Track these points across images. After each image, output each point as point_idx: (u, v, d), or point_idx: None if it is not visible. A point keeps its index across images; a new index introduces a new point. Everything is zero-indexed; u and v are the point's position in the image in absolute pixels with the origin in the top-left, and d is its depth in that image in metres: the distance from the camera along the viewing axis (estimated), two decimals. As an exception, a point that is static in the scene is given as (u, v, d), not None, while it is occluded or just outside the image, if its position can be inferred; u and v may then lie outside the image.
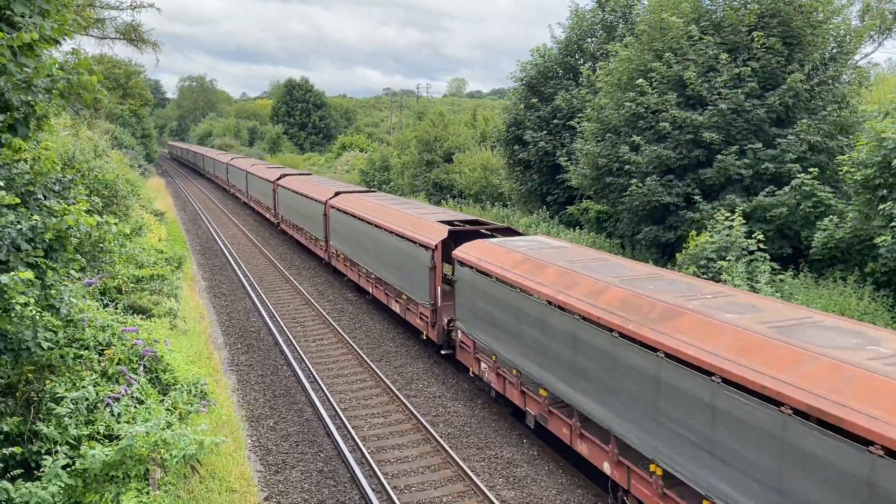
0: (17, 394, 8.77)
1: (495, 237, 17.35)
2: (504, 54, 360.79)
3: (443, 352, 17.35)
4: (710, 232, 18.82)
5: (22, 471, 7.38)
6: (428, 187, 46.59)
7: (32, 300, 7.73)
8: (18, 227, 7.29)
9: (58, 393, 8.71)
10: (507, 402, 14.37)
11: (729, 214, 19.05)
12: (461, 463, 12.50)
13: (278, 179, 38.40)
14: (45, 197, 8.53)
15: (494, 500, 11.28)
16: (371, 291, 22.98)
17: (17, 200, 7.43)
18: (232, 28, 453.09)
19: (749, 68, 20.68)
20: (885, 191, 16.33)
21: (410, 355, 18.88)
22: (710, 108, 20.91)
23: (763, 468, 7.85)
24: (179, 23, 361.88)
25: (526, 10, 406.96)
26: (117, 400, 9.26)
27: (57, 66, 8.06)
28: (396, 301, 20.31)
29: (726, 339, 8.76)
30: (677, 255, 19.56)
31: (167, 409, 9.78)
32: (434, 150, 47.98)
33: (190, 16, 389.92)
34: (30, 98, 7.62)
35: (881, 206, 16.21)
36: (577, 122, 27.87)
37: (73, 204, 8.55)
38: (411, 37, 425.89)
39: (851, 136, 20.52)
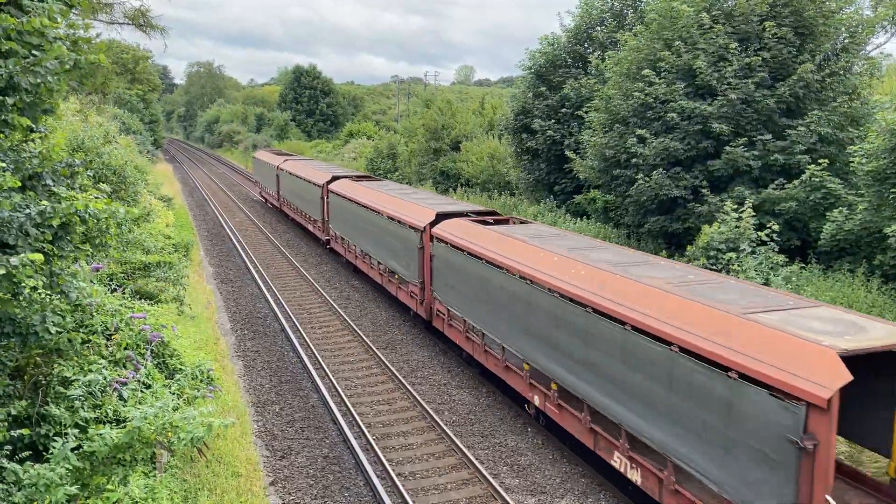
0: (25, 377, 8.82)
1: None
2: (509, 42, 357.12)
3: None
4: (718, 223, 18.72)
5: (30, 453, 7.44)
6: (435, 175, 46.40)
7: (41, 284, 7.75)
8: (27, 211, 7.30)
9: (67, 377, 8.77)
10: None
11: (738, 206, 18.91)
12: (466, 451, 12.55)
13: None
14: (53, 182, 8.53)
15: (499, 488, 11.32)
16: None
17: (18, 183, 7.42)
18: (235, 13, 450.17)
19: (759, 58, 20.47)
20: (896, 180, 16.23)
21: (416, 343, 18.92)
22: (719, 98, 20.74)
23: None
24: (183, 7, 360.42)
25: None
26: (125, 384, 9.31)
27: (68, 41, 8.03)
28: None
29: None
30: (688, 247, 19.42)
31: (174, 394, 9.83)
32: (441, 138, 47.72)
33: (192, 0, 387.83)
34: (38, 80, 7.61)
35: (892, 192, 16.08)
36: (586, 112, 27.71)
37: (83, 192, 8.56)
38: (414, 23, 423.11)
39: (862, 128, 20.34)
